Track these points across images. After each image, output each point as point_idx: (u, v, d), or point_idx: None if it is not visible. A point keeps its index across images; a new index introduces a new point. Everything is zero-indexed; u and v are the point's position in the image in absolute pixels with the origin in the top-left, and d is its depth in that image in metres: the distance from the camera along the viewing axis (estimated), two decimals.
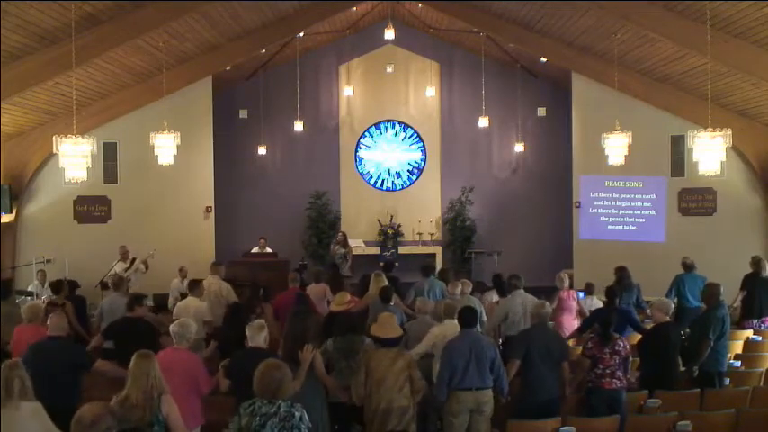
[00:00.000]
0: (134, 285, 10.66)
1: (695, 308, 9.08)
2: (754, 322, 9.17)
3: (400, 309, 8.35)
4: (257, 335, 5.49)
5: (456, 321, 7.02)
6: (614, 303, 7.73)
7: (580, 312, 9.03)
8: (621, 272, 9.32)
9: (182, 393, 4.87)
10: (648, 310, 9.14)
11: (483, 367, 5.76)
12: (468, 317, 6.03)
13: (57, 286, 9.13)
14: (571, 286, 9.56)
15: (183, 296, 9.71)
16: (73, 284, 9.47)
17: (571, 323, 8.87)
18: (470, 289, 8.60)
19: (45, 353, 5.56)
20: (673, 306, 7.12)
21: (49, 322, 5.89)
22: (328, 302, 9.14)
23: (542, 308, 6.51)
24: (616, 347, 6.14)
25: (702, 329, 6.96)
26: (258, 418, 4.09)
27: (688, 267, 9.82)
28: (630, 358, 6.45)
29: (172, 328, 5.55)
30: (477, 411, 5.78)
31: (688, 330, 7.29)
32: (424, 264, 10.25)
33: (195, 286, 8.69)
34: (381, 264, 12.50)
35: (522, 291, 8.29)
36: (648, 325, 8.28)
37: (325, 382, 5.77)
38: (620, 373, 6.12)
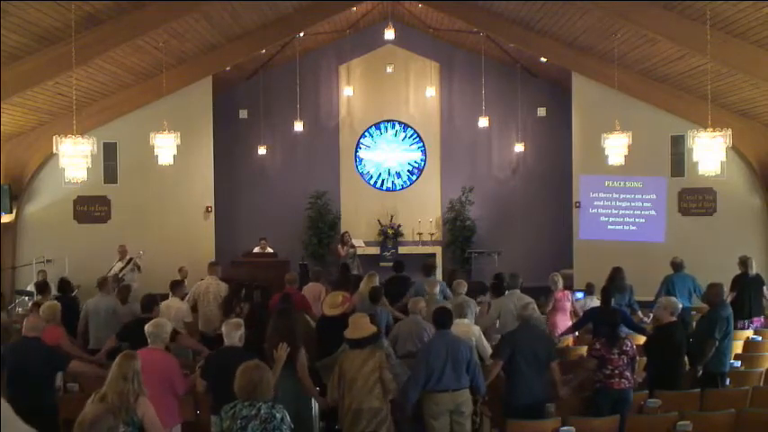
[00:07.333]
0: (132, 285, 10.63)
1: (685, 308, 9.06)
2: (741, 323, 9.14)
3: (387, 310, 8.32)
4: (233, 333, 5.47)
5: (466, 321, 7.00)
6: (608, 304, 7.72)
7: (575, 313, 9.05)
8: (615, 273, 9.33)
9: (156, 393, 4.85)
10: (640, 312, 9.23)
11: (459, 368, 5.67)
12: (442, 318, 5.94)
13: (41, 287, 9.16)
14: (568, 287, 9.55)
15: (183, 296, 9.69)
16: (65, 285, 9.32)
17: (566, 323, 8.90)
18: (465, 290, 8.49)
19: (20, 353, 5.55)
20: (680, 306, 7.08)
21: (24, 323, 5.87)
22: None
23: (526, 309, 6.44)
24: (624, 348, 6.14)
25: (708, 329, 6.95)
26: (239, 420, 4.08)
27: (677, 267, 9.82)
28: (638, 358, 6.45)
29: (147, 328, 5.51)
30: (456, 412, 5.70)
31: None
32: (425, 263, 10.21)
33: (177, 286, 8.65)
34: (391, 264, 12.23)
35: (518, 291, 8.22)
36: (646, 326, 8.34)
37: (304, 382, 5.74)
38: (628, 373, 6.11)
